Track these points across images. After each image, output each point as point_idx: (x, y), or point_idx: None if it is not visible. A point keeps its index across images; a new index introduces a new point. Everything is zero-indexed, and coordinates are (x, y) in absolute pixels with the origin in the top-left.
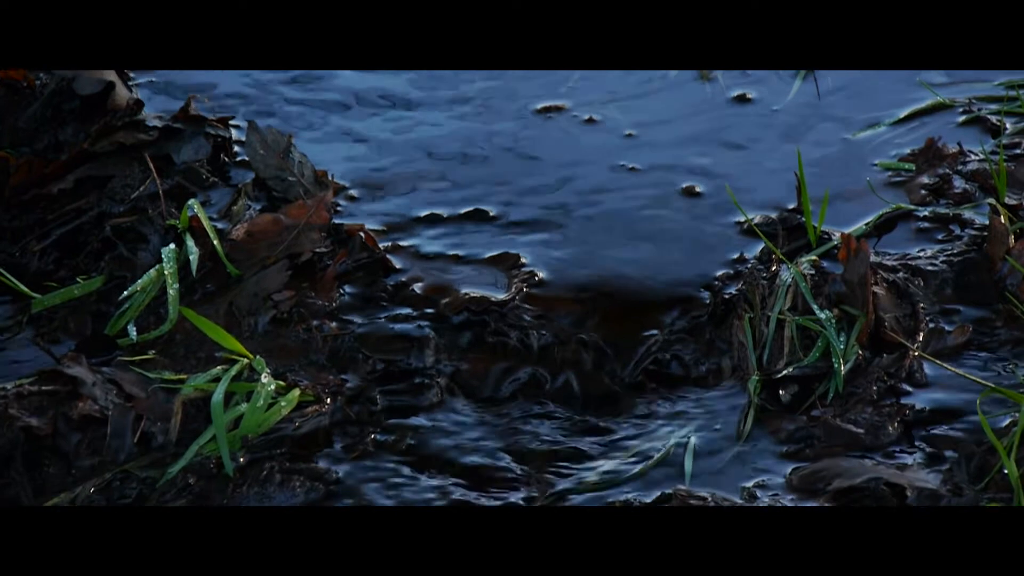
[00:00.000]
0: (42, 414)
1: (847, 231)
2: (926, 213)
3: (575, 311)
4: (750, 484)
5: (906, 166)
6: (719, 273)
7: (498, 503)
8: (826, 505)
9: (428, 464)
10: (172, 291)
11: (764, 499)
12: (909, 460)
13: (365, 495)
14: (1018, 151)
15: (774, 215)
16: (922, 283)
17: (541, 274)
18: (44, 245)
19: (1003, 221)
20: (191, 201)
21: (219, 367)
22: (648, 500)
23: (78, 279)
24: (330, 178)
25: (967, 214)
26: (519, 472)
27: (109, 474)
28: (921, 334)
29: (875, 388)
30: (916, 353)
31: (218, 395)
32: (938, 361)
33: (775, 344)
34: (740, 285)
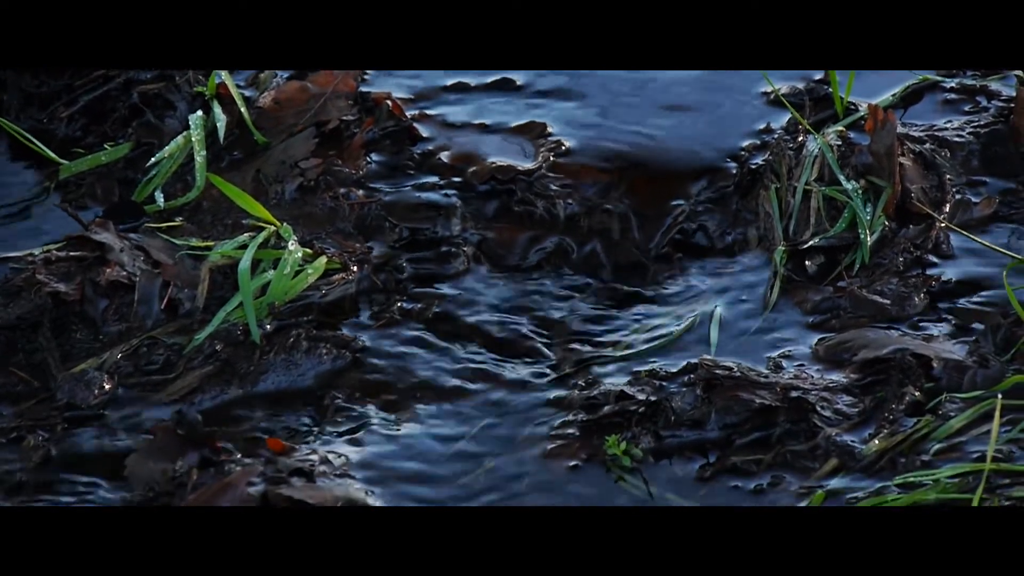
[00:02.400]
0: (70, 280)
1: (874, 102)
2: (953, 84)
3: (602, 181)
4: (775, 354)
5: None
6: (746, 143)
7: (524, 372)
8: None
9: (454, 332)
10: (199, 158)
11: (790, 369)
12: (935, 331)
13: (391, 363)
14: None
15: (801, 86)
16: (948, 154)
17: (568, 143)
18: (71, 112)
19: None
20: None
21: (246, 234)
22: (673, 370)
23: (105, 146)
24: None
25: (994, 86)
26: (544, 341)
27: (136, 340)
28: (948, 205)
29: (901, 259)
30: (943, 224)
31: (245, 262)
32: (964, 232)
33: (801, 215)
34: (767, 156)
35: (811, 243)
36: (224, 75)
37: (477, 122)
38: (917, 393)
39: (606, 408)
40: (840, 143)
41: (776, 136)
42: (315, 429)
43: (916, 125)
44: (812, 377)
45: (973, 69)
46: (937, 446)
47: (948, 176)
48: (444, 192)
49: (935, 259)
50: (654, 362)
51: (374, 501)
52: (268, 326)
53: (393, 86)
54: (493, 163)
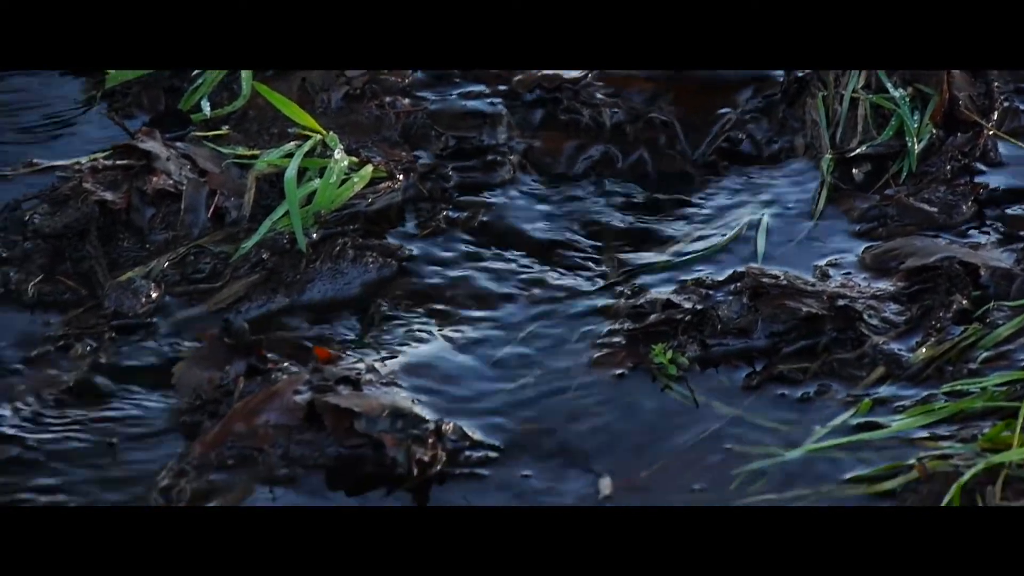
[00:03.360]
0: (117, 188)
1: None
2: None
3: (648, 89)
4: (822, 262)
5: None
6: None
7: (570, 280)
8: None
9: (499, 240)
10: None
11: (837, 277)
12: (983, 239)
13: (437, 271)
14: None
15: None
16: None
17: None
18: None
19: None
20: None
21: (292, 143)
22: (720, 278)
23: None
24: None
25: None
26: (591, 249)
27: (183, 249)
28: (995, 113)
29: (949, 167)
30: (990, 132)
31: (291, 170)
32: (1012, 140)
33: (848, 122)
34: None
35: (858, 151)
36: None
37: None
38: (964, 301)
39: (652, 317)
40: None
41: None
42: (361, 337)
43: None
44: (859, 285)
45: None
46: (984, 354)
47: (996, 84)
48: (490, 100)
49: (983, 167)
50: (700, 270)
51: (420, 409)
52: (314, 235)
53: None
54: (539, 72)
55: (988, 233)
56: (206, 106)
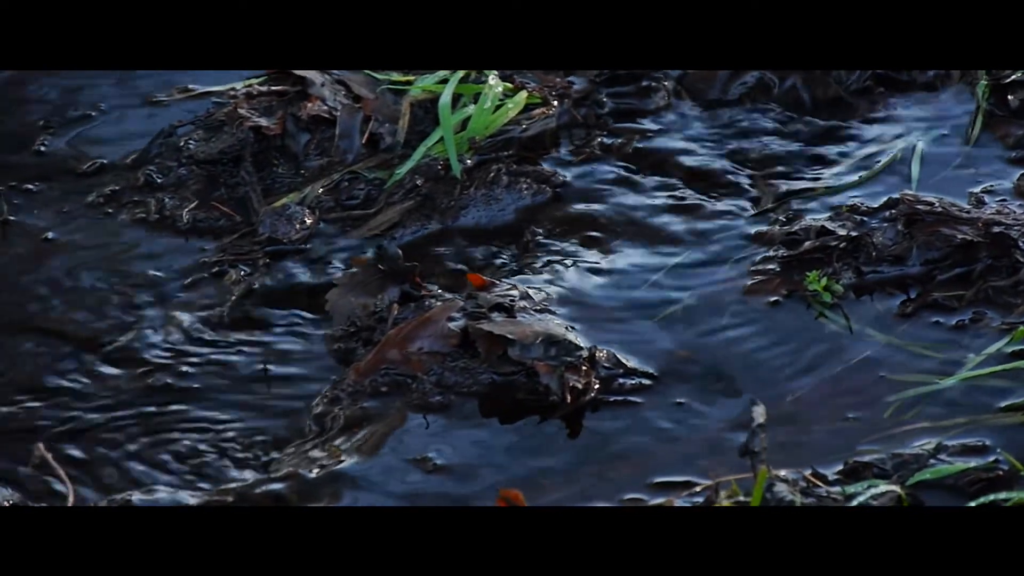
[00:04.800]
0: (271, 114)
1: None
2: None
3: None
4: (977, 189)
5: None
6: None
7: (724, 206)
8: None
9: (653, 167)
10: None
11: (991, 204)
12: None
13: (591, 198)
14: None
15: None
16: None
17: None
18: None
19: None
20: None
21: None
22: (874, 205)
23: None
24: None
25: None
26: (744, 176)
27: (337, 175)
28: None
29: None
30: None
31: (446, 96)
32: None
33: None
34: None
35: (1014, 77)
36: None
37: None
38: None
39: (807, 243)
40: None
41: None
42: (515, 264)
43: None
44: (1014, 212)
45: None
46: None
47: None
48: None
49: None
50: (855, 197)
51: (574, 336)
52: (468, 161)
53: None
54: None
55: None
56: None
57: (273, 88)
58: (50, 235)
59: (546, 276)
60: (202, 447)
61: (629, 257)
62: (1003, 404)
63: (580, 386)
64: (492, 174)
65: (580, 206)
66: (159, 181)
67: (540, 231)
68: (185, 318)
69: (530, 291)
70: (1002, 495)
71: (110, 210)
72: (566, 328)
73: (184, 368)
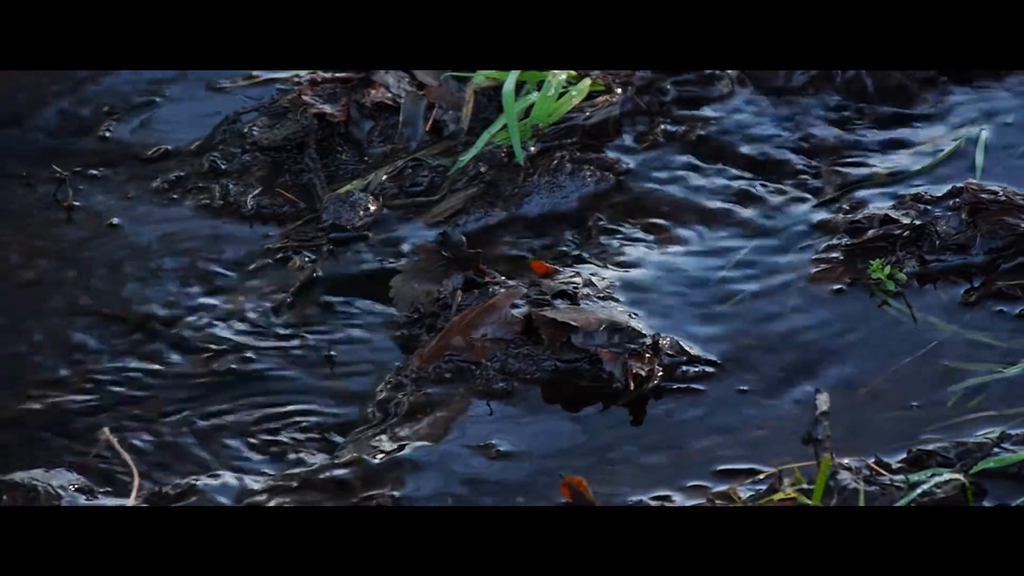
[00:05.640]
0: (335, 101)
1: None
2: None
3: None
4: None
5: None
6: None
7: (787, 194)
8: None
9: (716, 155)
10: None
11: None
12: None
13: (654, 185)
14: None
15: None
16: None
17: None
18: None
19: None
20: None
21: None
22: (938, 193)
23: None
24: None
25: None
26: (807, 164)
27: (401, 161)
28: None
29: None
30: None
31: (510, 84)
32: None
33: None
34: None
35: None
36: None
37: None
38: None
39: (870, 232)
40: None
41: None
42: (578, 251)
43: None
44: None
45: None
46: None
47: None
48: None
49: None
50: (918, 185)
51: (637, 324)
52: (532, 148)
53: None
54: None
55: None
56: None
57: (337, 75)
58: (115, 220)
59: (609, 263)
60: (266, 432)
61: (692, 244)
62: None
63: (643, 373)
64: (555, 161)
65: (643, 193)
66: (223, 167)
67: (603, 218)
68: (249, 304)
69: (593, 278)
70: None
71: (174, 196)
72: (629, 315)
73: (248, 353)
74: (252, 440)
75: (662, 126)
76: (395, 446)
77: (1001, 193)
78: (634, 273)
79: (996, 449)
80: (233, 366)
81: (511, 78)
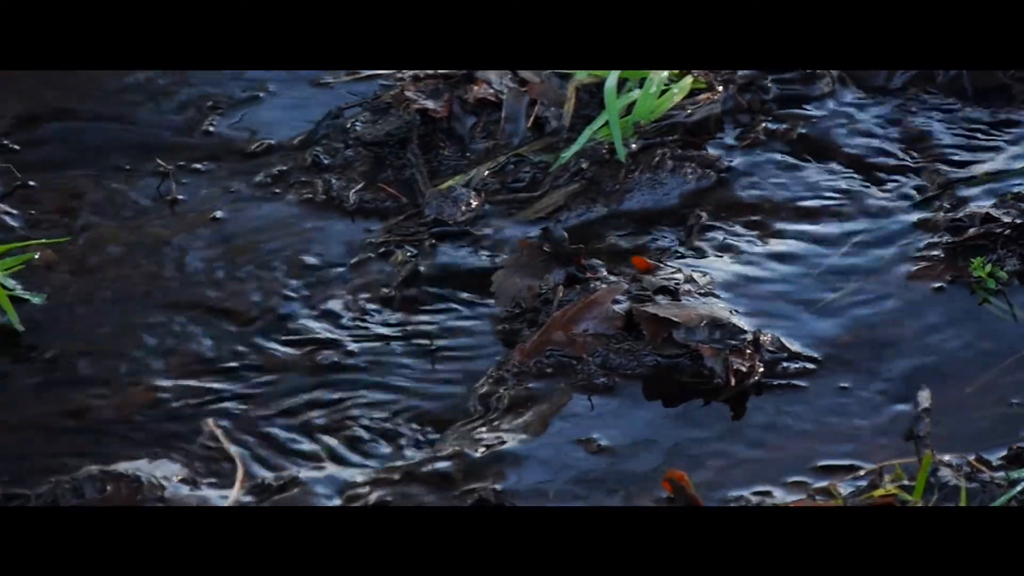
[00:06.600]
0: (438, 97)
1: None
2: None
3: None
4: None
5: None
6: None
7: (888, 192)
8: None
9: (818, 152)
10: None
11: None
12: None
13: (755, 183)
14: None
15: None
16: None
17: None
18: None
19: None
20: None
21: None
22: None
23: None
24: None
25: None
26: (909, 161)
27: (503, 157)
28: None
29: None
30: None
31: (611, 81)
32: None
33: None
34: None
35: None
36: None
37: None
38: None
39: (971, 230)
40: None
41: None
42: (680, 247)
43: None
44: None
45: None
46: None
47: None
48: None
49: None
50: (1020, 184)
51: (738, 320)
52: (633, 145)
53: None
54: None
55: None
56: None
57: (440, 71)
58: (218, 214)
59: (710, 260)
60: (368, 425)
61: (793, 242)
62: None
63: (744, 369)
64: (657, 158)
65: (744, 191)
66: (326, 162)
67: (704, 215)
68: (351, 298)
69: (694, 274)
70: None
71: (277, 190)
72: (730, 312)
73: (351, 347)
74: (353, 433)
75: (763, 124)
76: (496, 440)
77: None
78: (735, 269)
79: None
80: (335, 359)
81: (613, 75)
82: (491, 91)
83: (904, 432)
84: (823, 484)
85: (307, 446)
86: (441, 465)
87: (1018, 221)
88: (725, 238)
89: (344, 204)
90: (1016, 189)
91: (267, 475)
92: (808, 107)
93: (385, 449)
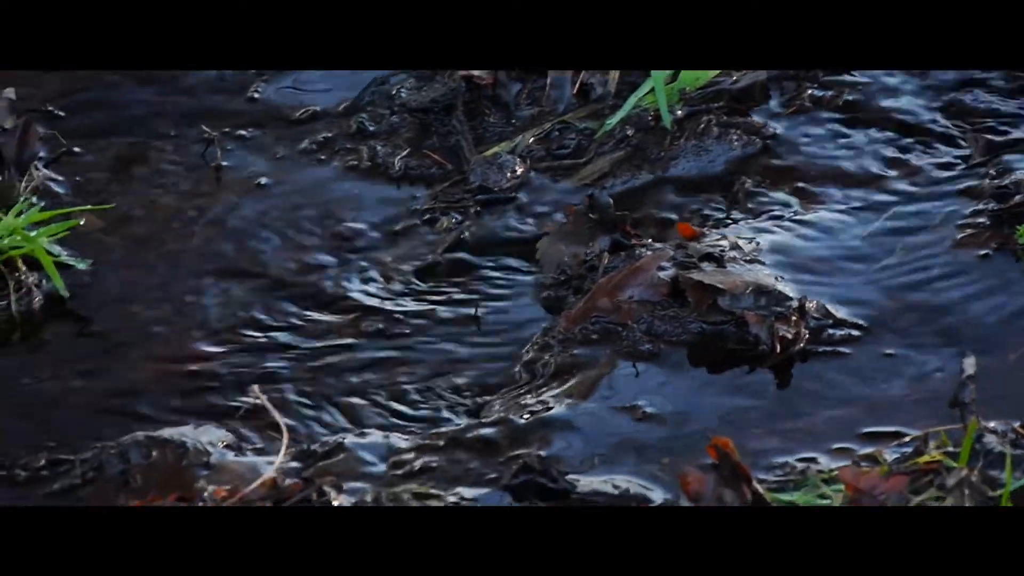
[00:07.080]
0: None
1: None
2: None
3: None
4: None
5: None
6: None
7: (935, 159)
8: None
9: (864, 120)
10: None
11: None
12: None
13: (801, 150)
14: None
15: None
16: None
17: None
18: None
19: None
20: None
21: None
22: None
23: None
24: None
25: None
26: (955, 129)
27: (548, 124)
28: None
29: None
30: None
31: None
32: None
33: None
34: None
35: None
36: None
37: None
38: None
39: (1017, 197)
40: None
41: None
42: (725, 214)
43: None
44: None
45: None
46: None
47: None
48: None
49: None
50: None
51: (783, 287)
52: (679, 111)
53: None
54: None
55: None
56: None
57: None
58: (263, 180)
59: (755, 227)
60: (413, 391)
61: (838, 209)
62: None
63: (789, 336)
64: (702, 125)
65: (790, 158)
66: (371, 129)
67: (750, 182)
68: (397, 264)
69: (740, 241)
70: None
71: (322, 157)
72: (775, 278)
73: (396, 314)
74: (398, 399)
75: (809, 91)
76: (542, 406)
77: None
78: (780, 236)
79: None
80: (380, 325)
81: None
82: None
83: (949, 399)
84: (868, 451)
85: (352, 412)
86: (486, 431)
87: None
88: (770, 205)
89: (389, 171)
90: None
91: (313, 442)
92: (854, 73)
93: (430, 415)
